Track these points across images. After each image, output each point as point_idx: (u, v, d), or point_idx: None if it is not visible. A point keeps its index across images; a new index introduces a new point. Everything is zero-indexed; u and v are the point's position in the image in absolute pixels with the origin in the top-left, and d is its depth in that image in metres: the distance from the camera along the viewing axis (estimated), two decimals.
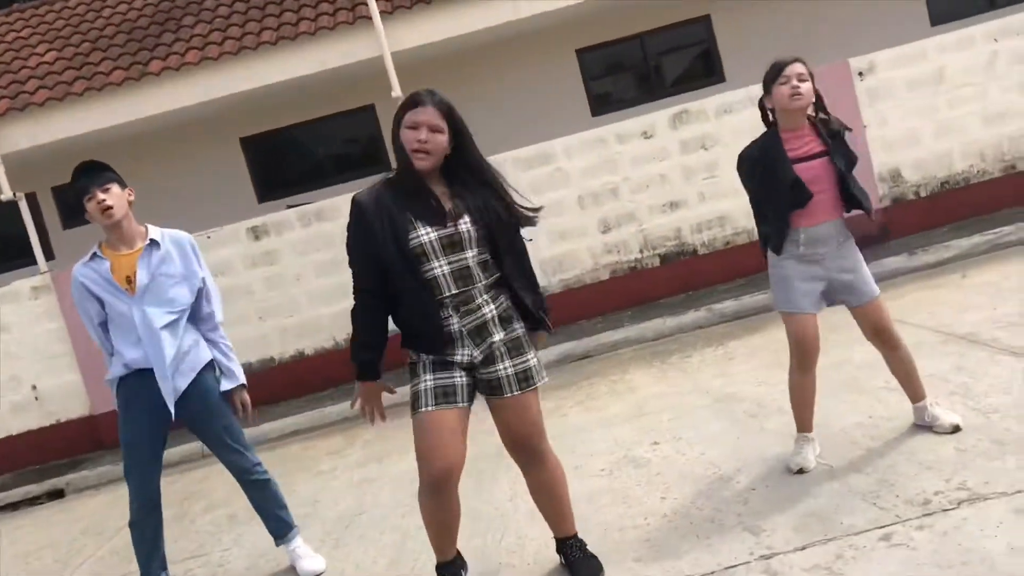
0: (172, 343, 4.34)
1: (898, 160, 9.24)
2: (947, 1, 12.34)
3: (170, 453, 8.19)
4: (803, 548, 3.50)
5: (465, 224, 3.42)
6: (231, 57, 10.38)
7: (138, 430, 4.45)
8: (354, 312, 3.51)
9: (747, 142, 8.85)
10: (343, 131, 12.61)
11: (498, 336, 3.50)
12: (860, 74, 9.16)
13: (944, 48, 9.21)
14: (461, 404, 3.47)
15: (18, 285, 9.24)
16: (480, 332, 3.47)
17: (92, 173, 4.23)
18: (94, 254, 4.33)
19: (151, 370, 4.32)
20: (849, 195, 4.22)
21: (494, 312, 3.50)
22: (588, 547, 3.80)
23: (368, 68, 10.57)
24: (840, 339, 6.50)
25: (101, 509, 7.36)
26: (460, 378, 3.47)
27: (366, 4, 10.20)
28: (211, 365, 4.54)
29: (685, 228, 9.20)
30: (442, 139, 3.41)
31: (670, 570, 3.61)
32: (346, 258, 3.51)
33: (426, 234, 3.37)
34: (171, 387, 4.35)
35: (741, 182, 4.37)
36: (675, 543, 3.85)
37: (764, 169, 4.22)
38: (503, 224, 3.51)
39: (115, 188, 4.25)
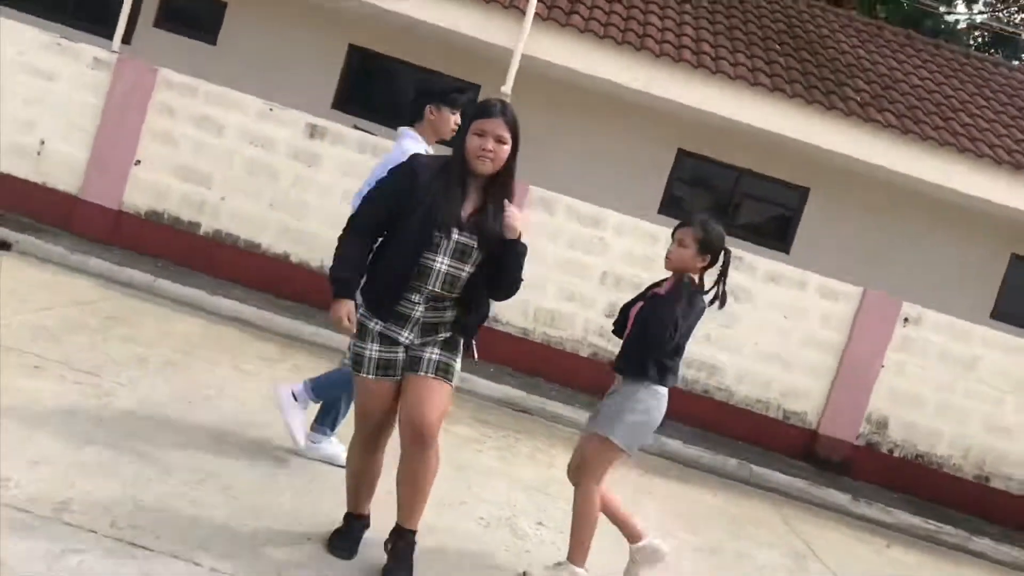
0: None
1: (892, 413, 9.27)
2: (1016, 304, 12.44)
3: (120, 272, 8.26)
4: None
5: (479, 243, 3.69)
6: None
7: None
8: (345, 237, 3.77)
9: (777, 316, 8.95)
10: None
11: (442, 335, 3.79)
12: (906, 320, 9.22)
13: (990, 343, 9.28)
14: (397, 377, 3.77)
15: (85, 48, 9.21)
16: (433, 327, 3.77)
17: (466, 98, 4.80)
18: (414, 139, 4.80)
19: None
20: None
21: (450, 317, 3.79)
22: (414, 551, 3.86)
23: (494, 52, 10.65)
24: (756, 533, 6.54)
25: (35, 281, 7.33)
26: (400, 354, 3.77)
27: None
28: None
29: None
30: (505, 150, 3.66)
31: None
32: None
33: (447, 234, 3.64)
34: None
35: (675, 319, 4.25)
36: None
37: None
38: (506, 261, 3.76)
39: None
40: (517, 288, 3.85)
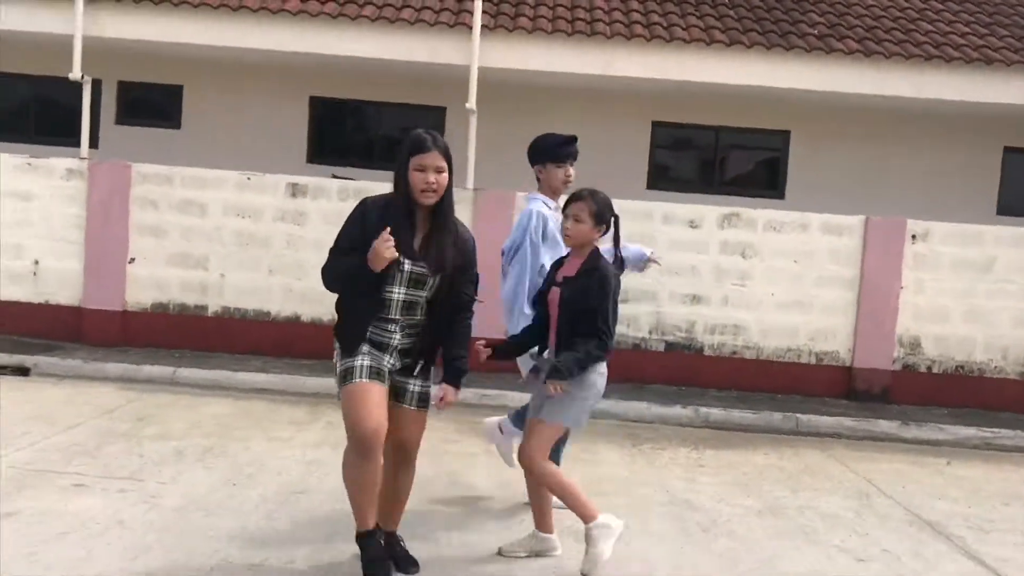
0: None
1: (922, 331, 9.26)
2: (1019, 196, 12.40)
3: (139, 371, 8.33)
4: None
5: (432, 270, 3.94)
6: (327, 18, 10.53)
7: None
8: (325, 269, 4.08)
9: (786, 263, 8.98)
10: (408, 122, 12.68)
11: (419, 362, 4.09)
12: (913, 237, 9.20)
13: (1001, 240, 9.26)
14: (385, 384, 3.98)
15: (55, 162, 9.32)
16: (409, 351, 4.04)
17: (574, 146, 5.16)
18: (551, 202, 5.13)
19: None
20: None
21: (422, 342, 4.07)
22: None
23: (451, 72, 10.69)
24: (814, 482, 6.53)
25: (59, 400, 7.38)
26: (387, 366, 4.00)
27: (470, 12, 10.34)
28: None
29: (699, 325, 9.23)
30: (445, 178, 3.90)
31: None
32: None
33: (405, 263, 3.89)
34: None
35: (606, 299, 4.34)
36: None
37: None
38: (451, 283, 4.03)
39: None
40: (464, 336, 4.18)
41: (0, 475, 5.30)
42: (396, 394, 4.07)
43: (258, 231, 9.17)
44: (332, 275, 4.05)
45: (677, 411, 8.27)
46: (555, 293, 4.42)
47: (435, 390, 4.14)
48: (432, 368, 4.18)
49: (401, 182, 3.90)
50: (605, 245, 4.58)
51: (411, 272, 3.92)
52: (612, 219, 4.47)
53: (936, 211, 10.52)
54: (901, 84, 10.74)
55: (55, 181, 9.27)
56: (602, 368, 4.42)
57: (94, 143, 11.21)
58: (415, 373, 4.10)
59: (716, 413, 8.30)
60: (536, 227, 5.02)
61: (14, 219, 9.26)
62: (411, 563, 4.24)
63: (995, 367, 9.28)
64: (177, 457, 5.97)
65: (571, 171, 5.15)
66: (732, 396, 8.93)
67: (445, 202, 3.95)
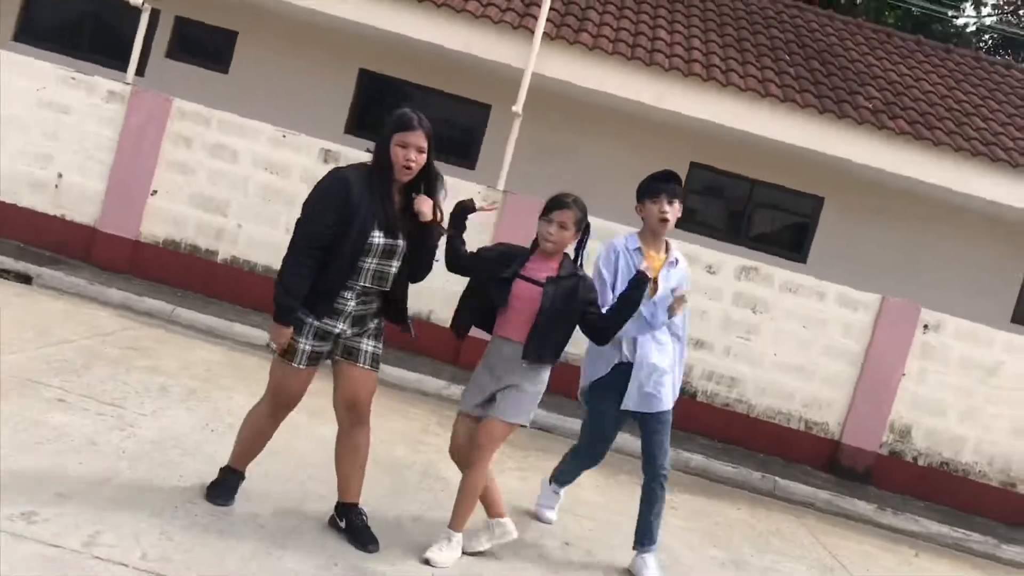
0: (659, 352, 5.02)
1: (916, 420, 9.22)
2: None
3: (140, 302, 8.32)
4: None
5: (403, 240, 4.13)
6: None
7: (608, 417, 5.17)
8: (292, 263, 4.05)
9: (795, 326, 8.97)
10: (452, 113, 12.70)
11: (372, 324, 4.26)
12: (925, 326, 9.17)
13: (1012, 347, 9.22)
14: (317, 366, 4.23)
15: (99, 81, 9.31)
16: (364, 319, 4.20)
17: (671, 182, 4.96)
18: (635, 243, 5.03)
19: (630, 365, 4.99)
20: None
21: (376, 307, 4.24)
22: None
23: (504, 72, 10.69)
24: (782, 546, 6.48)
25: (55, 313, 7.38)
26: (327, 348, 4.19)
27: (535, 18, 10.34)
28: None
29: (697, 369, 9.20)
30: (423, 158, 4.07)
31: None
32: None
33: (378, 237, 4.04)
34: (638, 388, 5.00)
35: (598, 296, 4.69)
36: None
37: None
38: (424, 243, 4.20)
39: (677, 204, 4.97)
40: (430, 270, 4.28)
41: None
42: (348, 353, 4.23)
43: (284, 188, 9.17)
44: (295, 279, 4.06)
45: None
46: (532, 290, 4.41)
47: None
48: (382, 328, 4.34)
49: (383, 156, 4.05)
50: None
51: (386, 243, 4.07)
52: (586, 226, 4.56)
53: (952, 306, 10.43)
54: (945, 174, 10.69)
55: (95, 100, 9.26)
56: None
57: (141, 72, 11.23)
58: (368, 334, 4.26)
59: (697, 460, 8.26)
60: (604, 259, 5.04)
61: (47, 129, 9.26)
62: (371, 539, 4.30)
63: (979, 471, 9.24)
64: (161, 393, 5.96)
65: (667, 207, 4.91)
66: (716, 447, 8.87)
67: (422, 177, 4.13)
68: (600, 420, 5.17)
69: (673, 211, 4.92)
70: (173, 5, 11.97)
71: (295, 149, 9.20)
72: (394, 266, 4.15)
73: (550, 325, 4.37)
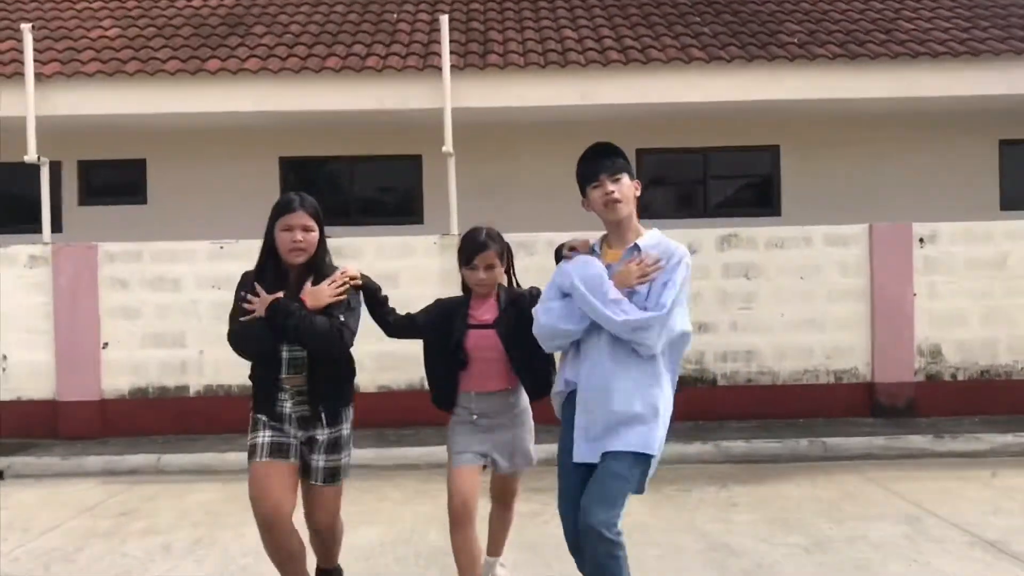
0: (615, 375, 3.56)
1: (941, 337, 8.89)
2: (1020, 188, 12.06)
3: (121, 462, 7.83)
4: None
5: None
6: (291, 74, 10.16)
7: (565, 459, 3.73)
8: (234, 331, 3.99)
9: (793, 280, 8.60)
10: (384, 175, 12.30)
11: (321, 433, 3.99)
12: (921, 240, 8.85)
13: (1013, 235, 8.93)
14: (292, 461, 3.94)
15: (17, 250, 8.91)
16: (308, 421, 3.96)
17: (604, 157, 3.70)
18: (593, 248, 3.78)
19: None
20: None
21: (312, 395, 3.96)
22: None
23: (425, 117, 10.32)
24: (857, 510, 6.07)
25: (33, 504, 6.89)
26: (294, 440, 3.96)
27: (438, 55, 9.99)
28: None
29: (709, 354, 8.80)
30: (313, 236, 3.94)
31: None
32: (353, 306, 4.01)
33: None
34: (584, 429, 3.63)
35: None
36: None
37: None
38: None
39: (625, 179, 3.66)
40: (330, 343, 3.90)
41: None
42: (304, 470, 4.04)
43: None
44: (236, 337, 3.98)
45: (697, 448, 7.82)
46: (486, 336, 4.09)
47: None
48: (345, 437, 4.08)
49: (271, 246, 3.98)
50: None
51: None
52: (507, 250, 4.25)
53: (939, 212, 10.18)
54: (889, 85, 10.37)
55: (18, 270, 8.83)
56: None
57: (57, 227, 10.74)
58: (319, 448, 4.02)
59: (739, 446, 7.86)
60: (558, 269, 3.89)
61: None
62: None
63: (1022, 368, 8.87)
64: (164, 553, 5.48)
65: (611, 186, 3.62)
66: (752, 426, 8.49)
67: (318, 257, 3.99)
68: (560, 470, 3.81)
69: (621, 187, 3.63)
70: (72, 152, 11.52)
71: (235, 257, 8.71)
72: (304, 353, 3.92)
73: (531, 357, 4.02)
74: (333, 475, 4.04)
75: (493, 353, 4.06)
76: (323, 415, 3.96)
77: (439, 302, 4.30)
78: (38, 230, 9.77)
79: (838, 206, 11.36)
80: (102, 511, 6.56)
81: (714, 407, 8.70)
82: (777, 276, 8.87)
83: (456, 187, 9.52)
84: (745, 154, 12.21)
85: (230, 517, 6.24)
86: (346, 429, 4.06)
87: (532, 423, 4.27)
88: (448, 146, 9.53)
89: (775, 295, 8.86)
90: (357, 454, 7.50)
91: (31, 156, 9.34)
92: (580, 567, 3.61)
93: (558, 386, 3.80)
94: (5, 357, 8.81)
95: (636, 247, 3.62)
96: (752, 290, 8.85)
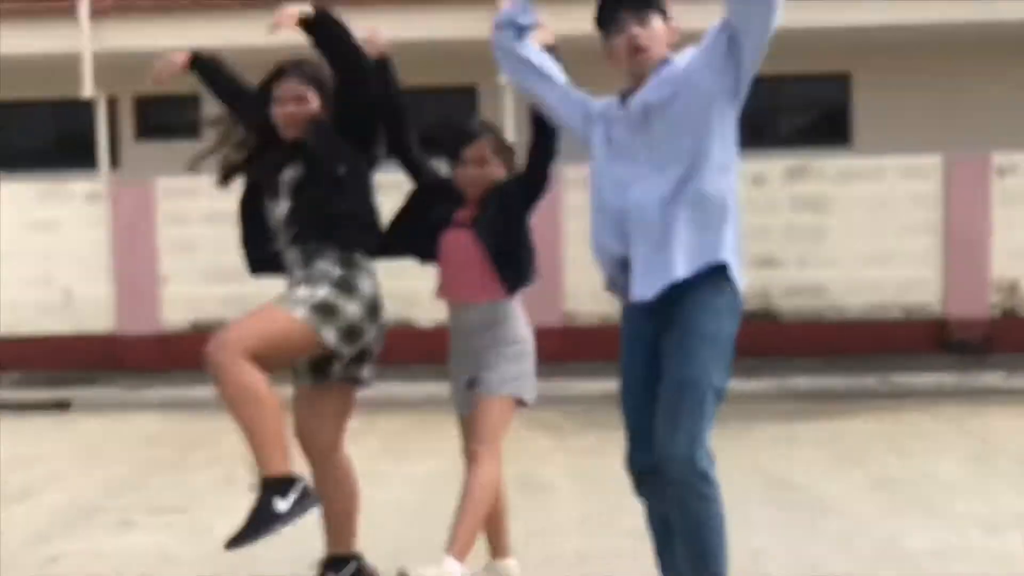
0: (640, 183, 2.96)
1: (1019, 272, 8.71)
2: None
3: (182, 395, 8.00)
4: None
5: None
6: (344, 3, 10.03)
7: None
8: None
9: (863, 217, 8.38)
10: (436, 106, 12.19)
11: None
12: (1001, 172, 8.60)
13: None
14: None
15: (75, 187, 9.12)
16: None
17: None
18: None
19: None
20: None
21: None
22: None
23: (480, 48, 10.14)
24: (924, 447, 5.98)
25: (101, 433, 7.15)
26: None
27: None
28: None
29: (775, 290, 8.70)
30: (307, 107, 3.43)
31: None
32: None
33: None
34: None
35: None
36: None
37: None
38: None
39: (656, 21, 2.96)
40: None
41: (44, 516, 5.01)
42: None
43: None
44: None
45: (760, 384, 7.78)
46: (463, 236, 3.49)
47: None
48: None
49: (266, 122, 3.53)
50: None
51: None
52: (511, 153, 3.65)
53: (1020, 142, 9.84)
54: (969, 8, 9.94)
55: (77, 206, 8.98)
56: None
57: (115, 163, 10.89)
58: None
59: (803, 382, 7.83)
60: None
61: (40, 250, 9.02)
62: None
63: None
64: (227, 485, 5.52)
65: (637, 30, 2.91)
66: (818, 362, 8.42)
67: (311, 131, 3.42)
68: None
69: (648, 32, 2.93)
70: (127, 87, 11.57)
71: None
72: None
73: (509, 249, 3.47)
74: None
75: (469, 258, 3.50)
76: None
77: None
78: (95, 166, 9.92)
79: (914, 136, 11.02)
80: (167, 441, 6.78)
81: (780, 343, 8.63)
82: (848, 210, 8.74)
83: (513, 118, 9.43)
84: (816, 83, 11.89)
85: (291, 449, 6.31)
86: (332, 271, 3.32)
87: (523, 348, 3.56)
88: (503, 78, 9.40)
89: (845, 229, 8.77)
90: (418, 388, 7.65)
91: (88, 92, 9.42)
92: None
93: None
94: (67, 292, 8.98)
95: (667, 61, 2.98)
96: (821, 224, 8.77)
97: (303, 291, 3.25)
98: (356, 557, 3.62)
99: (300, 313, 3.17)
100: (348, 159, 3.38)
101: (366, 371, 3.48)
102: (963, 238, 8.66)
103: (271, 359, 3.18)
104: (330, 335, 3.20)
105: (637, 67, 2.96)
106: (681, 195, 2.86)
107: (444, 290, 3.60)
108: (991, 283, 8.69)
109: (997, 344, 8.63)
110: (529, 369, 3.54)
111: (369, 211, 3.46)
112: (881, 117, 11.37)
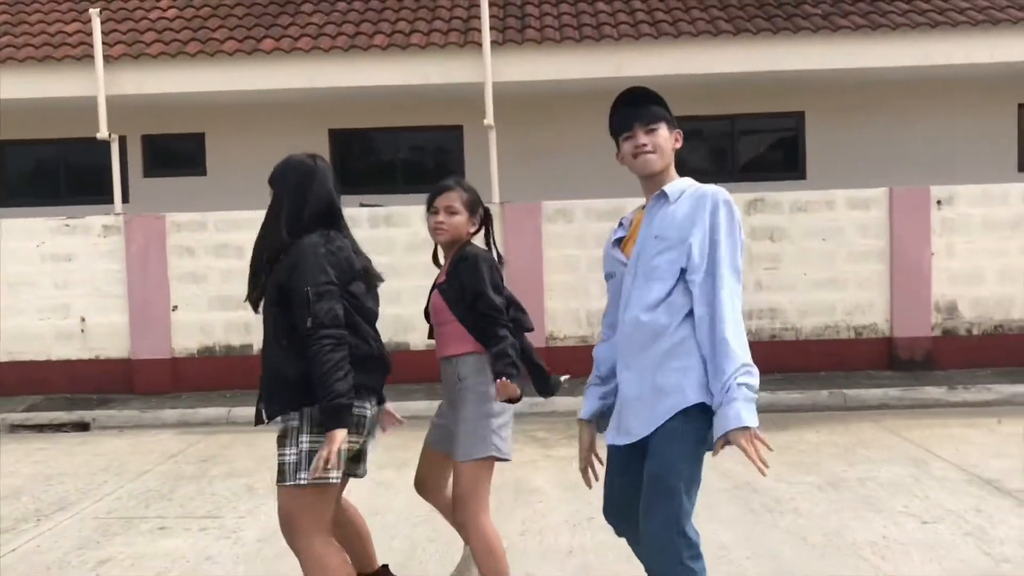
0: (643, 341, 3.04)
1: (958, 294, 9.36)
2: None
3: (194, 414, 8.54)
4: None
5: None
6: (340, 52, 10.72)
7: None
8: None
9: (815, 245, 9.02)
10: (427, 144, 12.90)
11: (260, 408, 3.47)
12: (939, 203, 9.30)
13: None
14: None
15: (92, 220, 9.58)
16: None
17: (638, 105, 3.16)
18: (621, 223, 3.32)
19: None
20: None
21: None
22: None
23: (466, 90, 10.85)
24: (869, 454, 6.62)
25: (123, 450, 7.60)
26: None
27: (479, 31, 10.51)
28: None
29: None
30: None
31: None
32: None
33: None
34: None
35: (482, 282, 3.67)
36: None
37: None
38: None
39: (662, 129, 3.12)
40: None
41: (87, 524, 5.52)
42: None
43: None
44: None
45: None
46: (435, 299, 3.82)
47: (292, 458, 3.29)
48: (291, 428, 3.30)
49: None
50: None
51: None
52: (483, 211, 3.93)
53: (959, 175, 10.61)
54: (909, 54, 10.76)
55: (93, 239, 9.53)
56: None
57: (124, 198, 11.47)
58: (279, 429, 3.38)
59: (763, 397, 8.04)
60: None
61: (58, 280, 9.54)
62: None
63: None
64: (249, 493, 6.14)
65: (644, 138, 3.09)
66: (776, 379, 9.01)
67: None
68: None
69: (657, 138, 3.10)
70: (136, 127, 12.17)
71: None
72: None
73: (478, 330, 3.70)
74: (280, 472, 3.28)
75: (445, 317, 3.77)
76: (262, 412, 3.41)
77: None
78: (106, 200, 10.48)
79: (861, 170, 11.77)
80: (185, 458, 7.25)
81: None
82: (801, 239, 9.36)
83: (497, 158, 10.07)
84: (771, 120, 12.65)
85: None
86: (293, 420, 3.28)
87: (491, 408, 3.66)
88: (489, 119, 10.06)
89: (799, 256, 9.37)
90: (410, 405, 8.30)
91: (103, 133, 10.02)
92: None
93: None
94: (83, 319, 9.53)
95: (663, 194, 3.08)
96: (776, 252, 9.36)
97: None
98: (382, 569, 3.91)
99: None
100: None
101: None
102: (906, 264, 9.29)
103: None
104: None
105: (644, 169, 3.12)
106: None
107: (437, 348, 3.86)
108: (933, 305, 9.35)
109: (939, 361, 9.26)
110: (503, 422, 3.67)
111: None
112: (832, 152, 12.15)
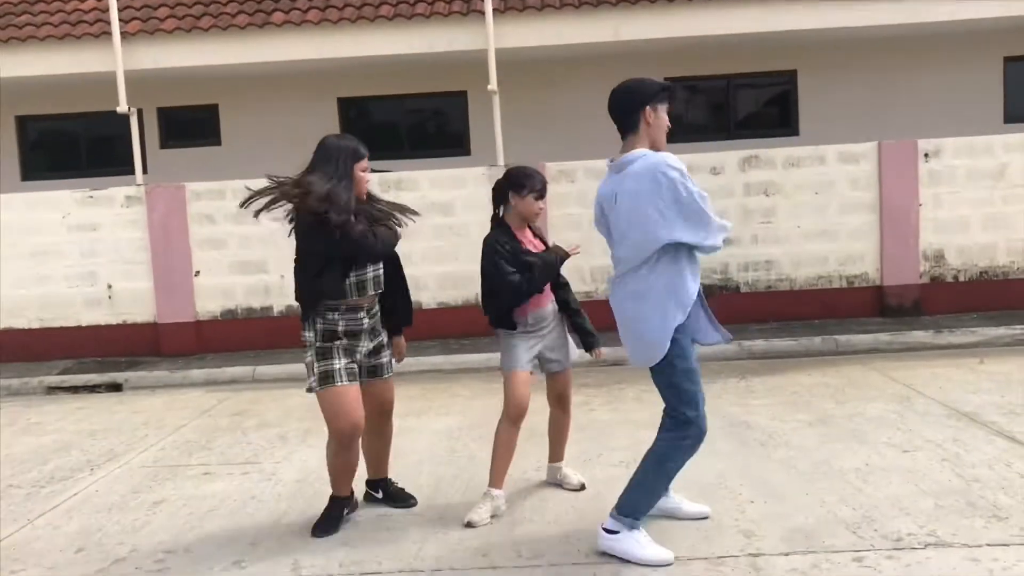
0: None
1: (944, 243, 9.77)
2: (1023, 103, 12.79)
3: (221, 373, 8.98)
4: (786, 554, 4.08)
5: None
6: (348, 23, 11.05)
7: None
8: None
9: (808, 198, 9.39)
10: (433, 110, 13.27)
11: (383, 336, 4.75)
12: (926, 155, 9.67)
13: (1011, 147, 9.71)
14: (359, 382, 4.59)
15: (114, 191, 9.97)
16: (374, 330, 4.67)
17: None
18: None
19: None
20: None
21: (378, 316, 4.71)
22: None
23: (470, 57, 11.20)
24: (858, 393, 7.08)
25: (158, 407, 8.05)
26: (357, 365, 4.59)
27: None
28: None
29: (733, 265, 9.76)
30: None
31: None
32: (406, 229, 4.91)
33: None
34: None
35: (483, 265, 4.77)
36: (677, 532, 4.43)
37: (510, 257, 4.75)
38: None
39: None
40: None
41: (136, 472, 6.00)
42: (372, 371, 4.73)
43: None
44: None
45: (721, 347, 8.68)
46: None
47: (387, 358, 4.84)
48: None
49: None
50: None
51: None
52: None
53: (947, 128, 10.93)
54: (897, 12, 11.04)
55: (116, 209, 9.93)
56: None
57: (144, 169, 11.86)
58: (384, 349, 4.77)
59: (759, 344, 8.83)
60: (683, 177, 4.00)
61: (84, 249, 9.97)
62: (409, 497, 5.04)
63: (1018, 268, 9.77)
64: (282, 441, 6.61)
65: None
66: (772, 327, 9.46)
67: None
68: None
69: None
70: (152, 100, 12.53)
71: None
72: (370, 271, 4.59)
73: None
74: (390, 368, 4.82)
75: None
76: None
77: (499, 248, 4.73)
78: (126, 171, 10.89)
79: (852, 125, 12.14)
80: (217, 412, 7.71)
81: (738, 312, 9.59)
82: (794, 192, 9.75)
83: (501, 122, 10.44)
84: (766, 79, 12.99)
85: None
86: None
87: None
88: (492, 84, 10.41)
89: (792, 210, 9.77)
90: (426, 359, 8.77)
91: (123, 108, 10.39)
92: None
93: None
94: (110, 286, 9.96)
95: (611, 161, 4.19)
96: (771, 206, 9.75)
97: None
98: (382, 481, 5.11)
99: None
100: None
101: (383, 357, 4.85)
102: (895, 214, 9.68)
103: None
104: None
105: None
106: None
107: (530, 305, 4.86)
108: (920, 254, 9.77)
109: (927, 307, 9.70)
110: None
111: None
112: (824, 108, 12.50)
